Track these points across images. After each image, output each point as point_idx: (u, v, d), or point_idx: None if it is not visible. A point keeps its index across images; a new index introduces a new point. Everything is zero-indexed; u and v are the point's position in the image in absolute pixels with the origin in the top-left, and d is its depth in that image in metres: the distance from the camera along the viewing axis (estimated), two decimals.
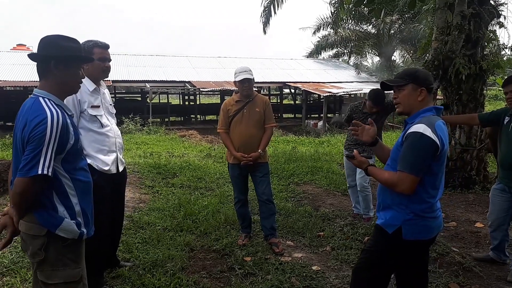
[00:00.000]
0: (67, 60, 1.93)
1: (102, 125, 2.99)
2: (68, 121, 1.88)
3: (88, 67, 2.93)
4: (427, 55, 6.53)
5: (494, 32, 6.41)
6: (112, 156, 3.07)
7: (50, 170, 1.77)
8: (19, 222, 1.91)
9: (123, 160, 3.27)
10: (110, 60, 3.08)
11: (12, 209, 1.92)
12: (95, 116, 2.95)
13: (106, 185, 2.99)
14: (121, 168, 3.18)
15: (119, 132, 3.23)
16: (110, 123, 3.09)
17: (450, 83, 6.15)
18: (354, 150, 2.38)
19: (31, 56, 1.93)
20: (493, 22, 6.35)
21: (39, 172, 1.74)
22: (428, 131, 2.00)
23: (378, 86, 4.50)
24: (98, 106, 3.00)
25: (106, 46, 3.03)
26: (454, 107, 6.21)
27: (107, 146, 3.02)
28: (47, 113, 1.79)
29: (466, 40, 5.95)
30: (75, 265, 1.97)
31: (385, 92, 2.68)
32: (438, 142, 2.01)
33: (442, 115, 2.28)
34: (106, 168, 3.00)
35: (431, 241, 2.24)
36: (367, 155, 2.35)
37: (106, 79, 3.25)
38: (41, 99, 1.87)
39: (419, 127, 2.03)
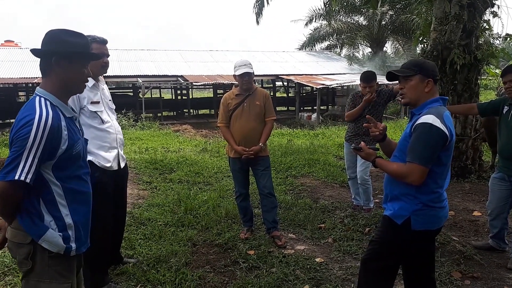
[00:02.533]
0: (69, 56, 1.78)
1: (102, 121, 2.96)
2: (63, 123, 1.73)
3: None
4: (424, 45, 6.54)
5: (488, 21, 6.43)
6: (114, 153, 3.04)
7: (30, 176, 1.61)
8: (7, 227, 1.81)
9: (124, 156, 3.24)
10: (108, 55, 3.04)
11: None
12: (95, 112, 2.92)
13: (109, 182, 2.97)
14: (122, 164, 3.16)
15: (120, 128, 3.20)
16: (111, 119, 3.06)
17: (445, 73, 6.18)
18: (362, 142, 2.38)
19: (34, 52, 1.80)
20: (487, 12, 6.38)
21: (16, 177, 1.59)
22: (437, 122, 2.01)
23: None
24: (98, 102, 2.96)
25: (104, 41, 2.99)
26: (449, 97, 6.25)
27: (108, 142, 2.99)
28: (35, 114, 1.64)
29: (461, 30, 5.97)
30: (63, 280, 1.81)
31: (390, 82, 2.66)
32: (447, 133, 2.02)
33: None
34: (108, 164, 2.97)
35: (439, 231, 2.25)
36: (374, 147, 2.34)
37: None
38: (37, 98, 1.73)
39: (428, 118, 2.04)
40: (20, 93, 19.95)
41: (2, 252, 3.62)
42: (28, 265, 1.76)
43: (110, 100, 3.16)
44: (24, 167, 1.60)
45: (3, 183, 1.61)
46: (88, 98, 2.90)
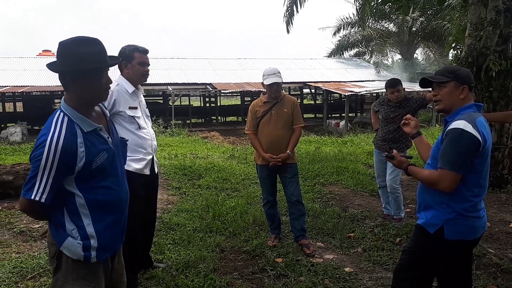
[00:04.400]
0: (84, 73, 1.73)
1: (139, 127, 3.05)
2: (79, 140, 1.70)
3: (129, 70, 3.00)
4: (457, 51, 6.38)
5: None
6: (148, 158, 3.11)
7: (44, 196, 1.65)
8: None
9: (157, 162, 3.31)
10: (149, 64, 3.12)
11: None
12: (133, 117, 3.01)
13: (141, 186, 3.04)
14: (156, 170, 3.24)
15: (154, 134, 3.28)
16: (147, 125, 3.14)
17: (480, 80, 6.01)
18: (394, 150, 2.35)
19: (50, 68, 1.77)
20: None
21: (32, 197, 1.64)
22: (468, 127, 1.96)
23: None
24: (136, 108, 3.06)
25: (145, 51, 3.08)
26: (485, 105, 6.06)
27: (143, 148, 3.08)
28: (49, 134, 1.66)
29: (497, 36, 5.80)
30: (85, 283, 1.82)
31: (422, 89, 2.65)
32: (479, 138, 1.96)
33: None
34: (141, 167, 3.05)
35: (475, 242, 2.17)
36: (405, 154, 2.31)
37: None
38: (57, 113, 1.75)
39: (459, 123, 1.99)
40: (56, 101, 20.70)
41: (38, 254, 3.76)
42: (53, 264, 1.84)
43: (146, 108, 3.26)
44: (39, 187, 1.65)
45: (24, 199, 1.69)
46: (127, 104, 3.00)
